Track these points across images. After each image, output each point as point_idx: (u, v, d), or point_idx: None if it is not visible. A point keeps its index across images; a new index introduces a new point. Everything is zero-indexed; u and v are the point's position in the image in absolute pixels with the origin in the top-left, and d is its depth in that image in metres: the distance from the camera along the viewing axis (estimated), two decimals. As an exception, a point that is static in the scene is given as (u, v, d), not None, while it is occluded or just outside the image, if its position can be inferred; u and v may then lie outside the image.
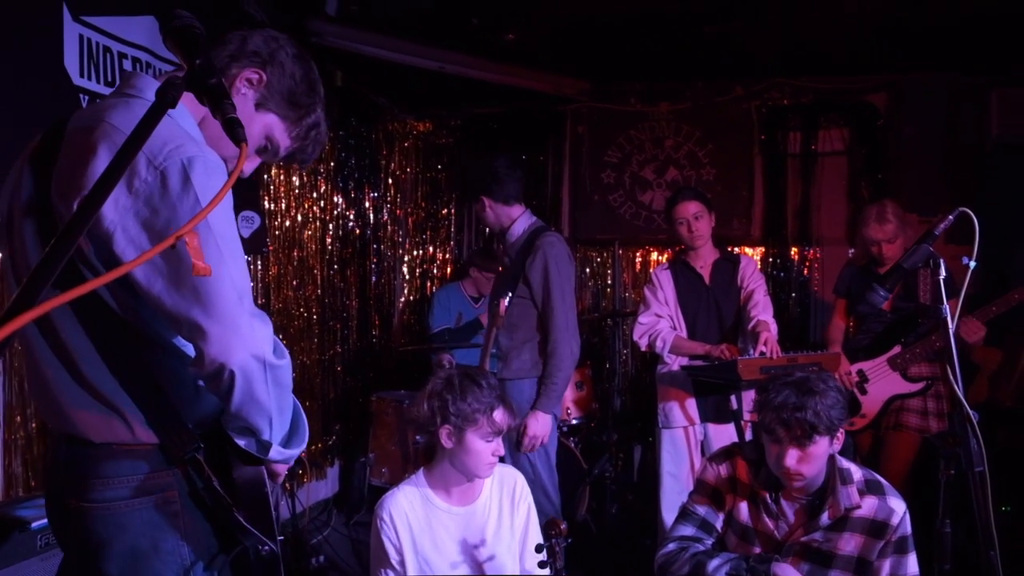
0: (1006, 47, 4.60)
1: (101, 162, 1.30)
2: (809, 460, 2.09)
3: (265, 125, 1.58)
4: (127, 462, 1.40)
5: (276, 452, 1.46)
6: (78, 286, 0.80)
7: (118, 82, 3.12)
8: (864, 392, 3.61)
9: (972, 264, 1.84)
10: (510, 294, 3.07)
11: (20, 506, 2.46)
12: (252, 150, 1.60)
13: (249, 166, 1.65)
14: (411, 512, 2.25)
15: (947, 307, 1.90)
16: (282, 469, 1.59)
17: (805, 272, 5.46)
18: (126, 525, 1.40)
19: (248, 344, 1.32)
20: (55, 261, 0.86)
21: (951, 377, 1.83)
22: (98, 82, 3.09)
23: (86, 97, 3.00)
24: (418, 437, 2.40)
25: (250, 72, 1.54)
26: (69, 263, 1.23)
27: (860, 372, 3.62)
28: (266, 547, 1.47)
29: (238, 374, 1.32)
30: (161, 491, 1.42)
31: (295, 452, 1.52)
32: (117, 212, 1.27)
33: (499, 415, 2.22)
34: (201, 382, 1.42)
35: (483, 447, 2.21)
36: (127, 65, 3.23)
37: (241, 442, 1.44)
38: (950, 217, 1.92)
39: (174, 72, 1.47)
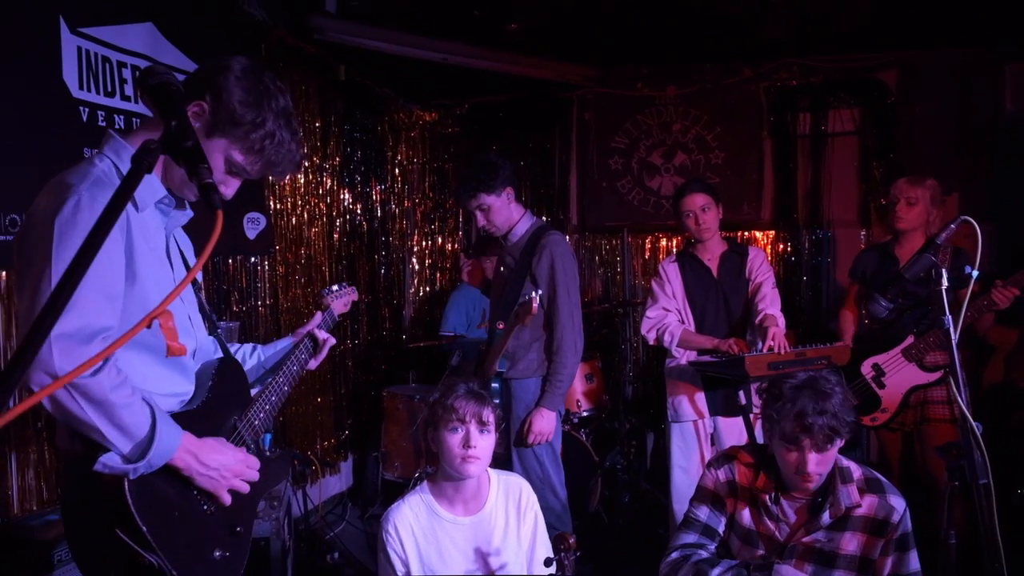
0: (1018, 20, 4.49)
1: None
2: (827, 462, 2.11)
3: (220, 150, 1.68)
4: (69, 466, 1.63)
5: (100, 465, 1.53)
6: None
7: (117, 92, 3.15)
8: (882, 386, 3.55)
9: (975, 273, 1.80)
10: (540, 290, 3.05)
11: (34, 520, 2.50)
12: (222, 175, 1.70)
13: (229, 190, 1.75)
14: (416, 524, 2.26)
15: (949, 319, 1.87)
16: (206, 482, 1.66)
17: (816, 255, 5.41)
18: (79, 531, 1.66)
19: (43, 364, 1.40)
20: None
21: (954, 389, 1.80)
22: (98, 93, 3.09)
23: (85, 109, 3.01)
24: (428, 468, 2.40)
25: (193, 107, 1.64)
26: None
27: (875, 366, 3.56)
28: (146, 559, 1.54)
29: (37, 392, 1.40)
30: (89, 499, 1.59)
31: (136, 466, 1.54)
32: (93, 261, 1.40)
33: (460, 403, 2.20)
34: None
35: (451, 439, 2.20)
36: (127, 74, 3.23)
37: (102, 456, 1.53)
38: (952, 226, 1.89)
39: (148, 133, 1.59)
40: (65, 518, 1.72)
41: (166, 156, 1.08)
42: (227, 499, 1.73)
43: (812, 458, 2.06)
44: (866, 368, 3.57)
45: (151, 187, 1.67)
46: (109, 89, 3.13)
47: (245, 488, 1.77)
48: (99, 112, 3.07)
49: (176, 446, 1.60)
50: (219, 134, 1.66)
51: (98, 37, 3.10)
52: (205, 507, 1.72)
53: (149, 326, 0.86)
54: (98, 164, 1.58)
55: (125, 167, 1.55)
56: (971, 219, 1.86)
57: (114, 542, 1.54)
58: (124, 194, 0.99)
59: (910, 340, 3.49)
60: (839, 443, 2.09)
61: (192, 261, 1.83)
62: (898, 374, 3.51)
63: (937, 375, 3.47)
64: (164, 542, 1.57)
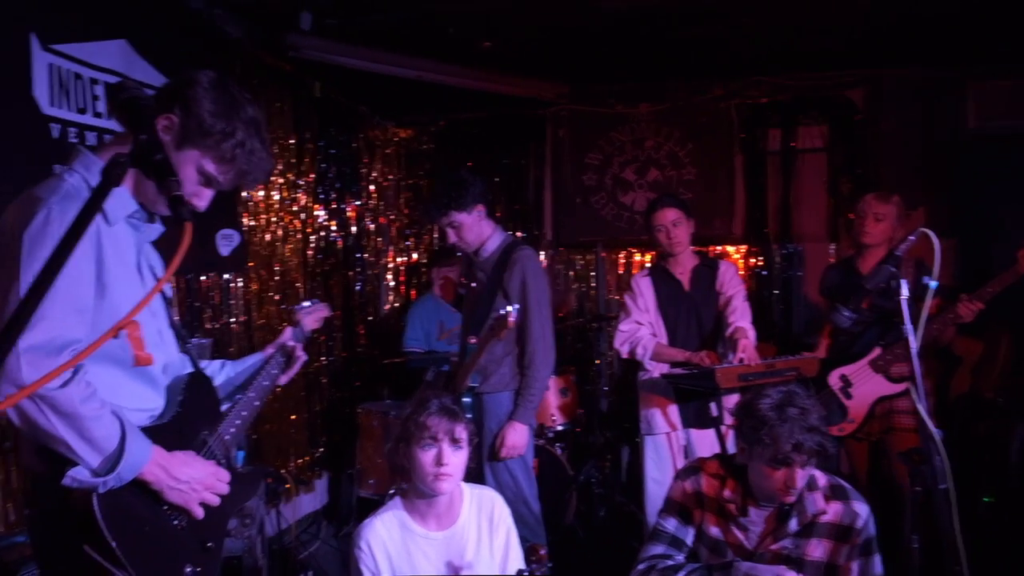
0: (981, 40, 4.63)
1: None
2: (806, 477, 2.15)
3: (192, 162, 1.69)
4: (35, 487, 1.55)
5: (68, 479, 1.52)
6: None
7: (88, 109, 3.14)
8: (849, 397, 3.60)
9: (933, 284, 1.86)
10: (517, 304, 3.07)
11: (1, 542, 2.46)
12: (194, 186, 1.71)
13: (202, 201, 1.77)
14: (389, 539, 2.26)
15: (910, 328, 1.92)
16: (176, 496, 1.66)
17: (787, 269, 5.49)
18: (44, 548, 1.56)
19: (11, 377, 1.40)
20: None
21: (914, 396, 1.85)
22: (69, 109, 3.08)
23: (57, 126, 3.00)
24: (404, 485, 2.39)
25: (163, 120, 1.65)
26: None
27: (843, 377, 3.62)
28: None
29: (6, 406, 1.43)
30: (56, 516, 1.54)
31: (103, 480, 1.53)
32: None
33: (433, 420, 2.20)
34: None
35: (423, 456, 2.20)
36: (99, 91, 3.22)
37: (70, 470, 1.52)
38: (911, 238, 1.94)
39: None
40: (32, 537, 1.70)
41: (137, 170, 1.09)
42: (199, 512, 1.73)
43: (800, 474, 2.10)
44: (834, 379, 3.63)
45: (122, 201, 1.68)
46: (81, 106, 3.12)
47: (216, 501, 1.76)
48: (70, 129, 3.06)
49: (146, 459, 1.60)
50: (190, 145, 1.67)
51: (70, 54, 3.10)
52: (176, 522, 1.71)
53: (116, 336, 0.87)
54: (68, 179, 1.58)
55: (95, 181, 1.54)
56: (929, 231, 1.91)
57: (83, 560, 1.53)
58: (92, 207, 1.00)
59: (877, 352, 3.55)
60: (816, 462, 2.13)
61: (161, 275, 1.83)
62: (865, 385, 3.56)
63: (903, 386, 3.51)
64: (134, 558, 1.56)
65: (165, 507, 1.69)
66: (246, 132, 1.72)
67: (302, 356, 2.25)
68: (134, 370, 1.66)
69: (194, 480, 1.69)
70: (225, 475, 1.79)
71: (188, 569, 1.71)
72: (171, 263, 0.96)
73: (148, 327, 1.65)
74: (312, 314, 2.45)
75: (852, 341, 3.66)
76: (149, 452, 1.61)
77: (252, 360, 2.19)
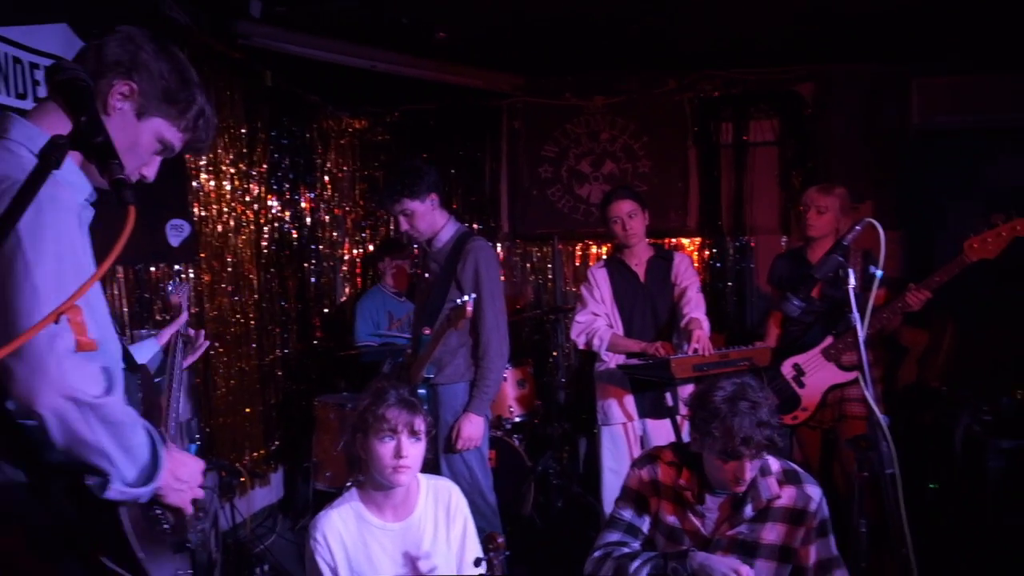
0: (926, 37, 4.74)
1: None
2: (755, 469, 2.18)
3: (153, 130, 1.58)
4: (3, 500, 1.36)
5: (116, 492, 1.40)
6: None
7: (29, 94, 3.04)
8: (802, 385, 3.65)
9: (879, 273, 1.90)
10: (473, 294, 3.06)
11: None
12: (148, 156, 1.61)
13: (151, 170, 1.66)
14: (345, 531, 2.24)
15: (856, 316, 1.96)
16: (176, 497, 1.56)
17: (740, 261, 5.57)
18: (16, 563, 1.36)
19: (57, 385, 1.28)
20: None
21: (862, 382, 1.89)
22: (8, 95, 2.98)
23: (-5, 112, 2.89)
24: (360, 477, 2.37)
25: (120, 86, 1.52)
26: None
27: (796, 366, 3.67)
28: None
29: (48, 415, 1.29)
30: (40, 530, 1.38)
31: (144, 491, 1.45)
32: None
33: (392, 413, 2.19)
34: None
35: (382, 449, 2.18)
36: (39, 75, 3.11)
37: (90, 481, 1.39)
38: (857, 228, 1.98)
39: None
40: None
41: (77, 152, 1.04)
42: (191, 509, 1.65)
43: (748, 466, 2.13)
44: (787, 368, 3.68)
45: (83, 183, 1.55)
46: (20, 91, 3.02)
47: (203, 495, 1.69)
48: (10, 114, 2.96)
49: (166, 465, 1.51)
50: (154, 113, 1.56)
51: (8, 37, 2.99)
52: (165, 525, 1.63)
53: (57, 321, 0.84)
54: (15, 151, 1.43)
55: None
56: (874, 221, 1.95)
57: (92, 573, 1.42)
58: (31, 192, 0.97)
59: (829, 340, 3.61)
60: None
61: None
62: (817, 373, 3.62)
63: (854, 374, 3.56)
64: (152, 565, 1.48)
65: (158, 510, 1.60)
66: (203, 98, 1.64)
67: (204, 343, 2.18)
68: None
69: (190, 478, 1.61)
70: (203, 466, 1.70)
71: (180, 573, 1.65)
72: (114, 248, 0.93)
73: (100, 311, 1.51)
74: (180, 295, 2.41)
75: (804, 331, 3.72)
76: (166, 457, 1.52)
77: (147, 344, 2.11)
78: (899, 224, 5.00)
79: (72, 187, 1.40)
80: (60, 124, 1.39)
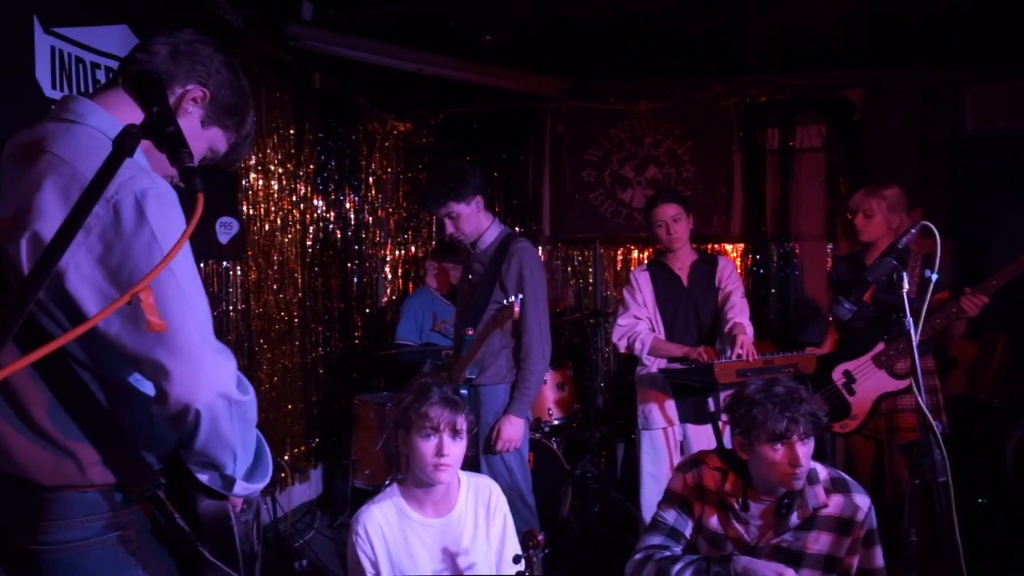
0: (980, 43, 4.64)
1: (47, 195, 1.27)
2: (809, 456, 2.17)
3: (210, 139, 1.60)
4: (80, 503, 1.36)
5: (240, 487, 1.45)
6: (39, 341, 0.80)
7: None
8: (852, 393, 3.54)
9: (934, 277, 1.86)
10: (520, 295, 3.07)
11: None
12: (195, 162, 1.61)
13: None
14: (386, 526, 2.26)
15: (910, 321, 1.92)
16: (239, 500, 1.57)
17: (784, 268, 5.50)
18: (79, 566, 1.37)
19: (212, 383, 1.30)
20: (15, 316, 0.87)
21: (914, 387, 1.86)
22: (72, 93, 3.07)
23: (58, 109, 2.98)
24: (399, 475, 2.39)
25: (196, 91, 1.53)
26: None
27: (846, 372, 3.57)
28: None
29: (204, 413, 1.30)
30: (117, 530, 1.38)
31: (259, 486, 1.50)
32: (68, 248, 1.25)
33: (435, 411, 2.20)
34: (164, 420, 1.39)
35: (424, 446, 2.20)
36: (100, 76, 3.21)
37: (203, 477, 1.42)
38: (912, 231, 1.94)
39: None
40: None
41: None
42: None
43: (802, 450, 2.11)
44: (837, 374, 3.58)
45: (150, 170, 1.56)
46: (83, 89, 3.11)
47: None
48: (36, 125, 3.04)
49: (270, 462, 1.55)
50: (215, 123, 1.58)
51: (72, 37, 3.09)
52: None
53: (129, 303, 0.87)
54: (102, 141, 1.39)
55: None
56: (929, 224, 1.92)
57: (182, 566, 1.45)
58: (105, 178, 1.00)
59: (880, 347, 3.49)
60: (813, 439, 2.15)
61: None
62: (868, 381, 3.51)
63: (907, 382, 3.42)
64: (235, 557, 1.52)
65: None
66: (253, 118, 1.66)
67: None
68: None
69: None
70: None
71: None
72: (184, 231, 0.95)
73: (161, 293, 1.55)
74: None
75: (857, 336, 3.60)
76: None
77: None
78: (950, 233, 4.89)
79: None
80: (129, 113, 1.41)
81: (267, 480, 1.52)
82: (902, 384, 3.45)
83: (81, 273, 1.24)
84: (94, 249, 1.25)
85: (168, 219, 1.29)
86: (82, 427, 1.35)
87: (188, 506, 1.43)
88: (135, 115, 1.35)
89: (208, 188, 1.05)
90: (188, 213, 1.01)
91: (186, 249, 1.32)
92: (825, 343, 3.82)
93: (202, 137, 1.57)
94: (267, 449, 1.53)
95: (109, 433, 1.37)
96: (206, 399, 1.30)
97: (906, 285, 1.92)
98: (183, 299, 1.28)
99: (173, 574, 1.45)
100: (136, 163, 1.32)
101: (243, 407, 1.38)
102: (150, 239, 1.25)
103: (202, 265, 3.89)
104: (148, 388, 1.39)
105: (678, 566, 2.21)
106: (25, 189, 1.28)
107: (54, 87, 2.98)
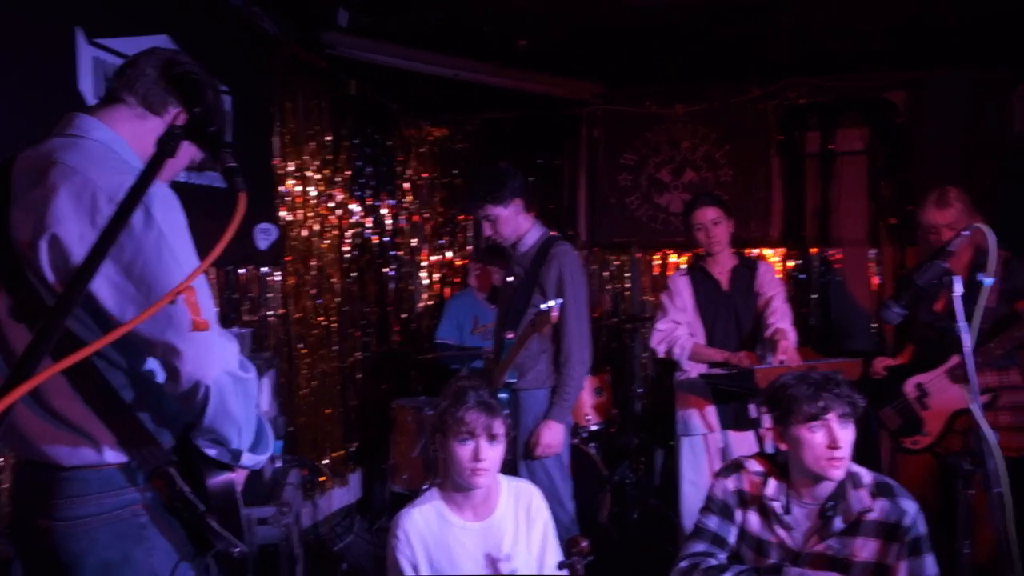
0: (1029, 42, 4.52)
1: (62, 200, 1.36)
2: (850, 442, 2.12)
3: (191, 154, 1.66)
4: (94, 480, 1.46)
5: (247, 459, 1.55)
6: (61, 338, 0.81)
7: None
8: (926, 408, 3.33)
9: (988, 281, 1.80)
10: (559, 299, 3.05)
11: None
12: (180, 168, 1.71)
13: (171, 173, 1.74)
14: (426, 529, 2.25)
15: (964, 325, 1.86)
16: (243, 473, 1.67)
17: (825, 273, 5.41)
18: (96, 538, 1.46)
19: (220, 361, 1.42)
20: (54, 327, 0.89)
21: (969, 396, 1.80)
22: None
23: (103, 118, 3.03)
24: (437, 480, 2.39)
25: (183, 114, 1.55)
26: (39, 300, 1.35)
27: (919, 386, 3.36)
28: (236, 548, 1.54)
29: (213, 388, 1.41)
30: (130, 504, 1.48)
31: (263, 457, 1.60)
32: (83, 247, 1.33)
33: (471, 416, 2.18)
34: (174, 398, 1.49)
35: (460, 451, 2.19)
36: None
37: (212, 452, 1.51)
38: (965, 233, 1.89)
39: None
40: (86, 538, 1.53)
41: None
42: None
43: (840, 433, 2.08)
44: (909, 388, 3.38)
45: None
46: (125, 99, 3.16)
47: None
48: (44, 141, 3.09)
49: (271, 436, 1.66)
50: (194, 140, 1.64)
51: (114, 48, 3.14)
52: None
53: (173, 302, 0.87)
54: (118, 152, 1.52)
55: (127, 155, 1.52)
56: (982, 226, 1.86)
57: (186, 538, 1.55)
58: (148, 178, 1.00)
59: (955, 359, 3.17)
60: (852, 424, 2.12)
61: None
62: (942, 396, 3.28)
63: (985, 398, 3.13)
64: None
65: None
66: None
67: None
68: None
69: None
70: None
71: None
72: (227, 231, 0.96)
73: (203, 293, 1.57)
74: None
75: (934, 347, 3.34)
76: None
77: None
78: (996, 238, 4.74)
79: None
80: (128, 127, 1.52)
81: (270, 451, 1.63)
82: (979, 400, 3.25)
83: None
84: None
85: (172, 219, 1.39)
86: (97, 411, 1.44)
87: (197, 481, 1.52)
88: (134, 129, 1.50)
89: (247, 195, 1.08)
90: (230, 213, 1.01)
91: (191, 245, 1.43)
92: (903, 353, 3.61)
93: (185, 150, 1.64)
94: (266, 424, 1.63)
95: (123, 415, 1.46)
96: (215, 376, 1.41)
97: (959, 290, 1.86)
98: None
99: (183, 544, 1.54)
100: (137, 169, 1.41)
101: (246, 384, 1.49)
102: (158, 237, 1.35)
103: (241, 271, 3.93)
104: (158, 373, 1.50)
105: (727, 575, 2.17)
106: (40, 196, 1.38)
107: (97, 98, 3.04)
